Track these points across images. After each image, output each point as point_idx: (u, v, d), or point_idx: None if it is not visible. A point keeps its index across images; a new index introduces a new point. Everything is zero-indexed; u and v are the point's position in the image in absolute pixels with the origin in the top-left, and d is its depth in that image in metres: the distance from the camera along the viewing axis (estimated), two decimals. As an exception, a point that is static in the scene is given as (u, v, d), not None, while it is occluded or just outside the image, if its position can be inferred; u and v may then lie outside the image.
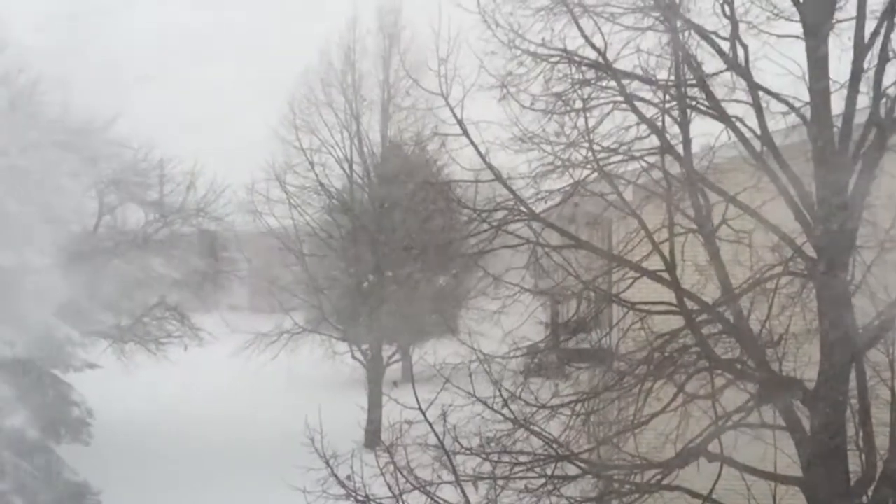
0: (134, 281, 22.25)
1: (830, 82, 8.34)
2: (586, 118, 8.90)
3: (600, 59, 8.75)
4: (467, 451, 8.44)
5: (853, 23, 8.29)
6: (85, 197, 22.71)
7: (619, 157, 9.04)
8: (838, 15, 8.37)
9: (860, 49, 8.25)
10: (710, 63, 8.71)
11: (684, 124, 8.84)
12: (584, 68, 8.89)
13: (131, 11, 33.86)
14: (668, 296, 8.92)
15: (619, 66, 8.76)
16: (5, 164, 17.28)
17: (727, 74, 8.65)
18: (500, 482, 8.47)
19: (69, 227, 20.86)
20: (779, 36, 8.49)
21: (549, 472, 8.52)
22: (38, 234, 16.97)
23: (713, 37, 8.58)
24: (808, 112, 8.40)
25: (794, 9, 8.44)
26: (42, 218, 17.46)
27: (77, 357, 17.72)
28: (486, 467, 8.52)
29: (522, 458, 8.56)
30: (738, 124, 8.60)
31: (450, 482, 8.34)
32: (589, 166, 9.01)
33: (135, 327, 22.67)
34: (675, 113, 8.86)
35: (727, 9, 8.48)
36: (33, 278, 16.35)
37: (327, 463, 8.32)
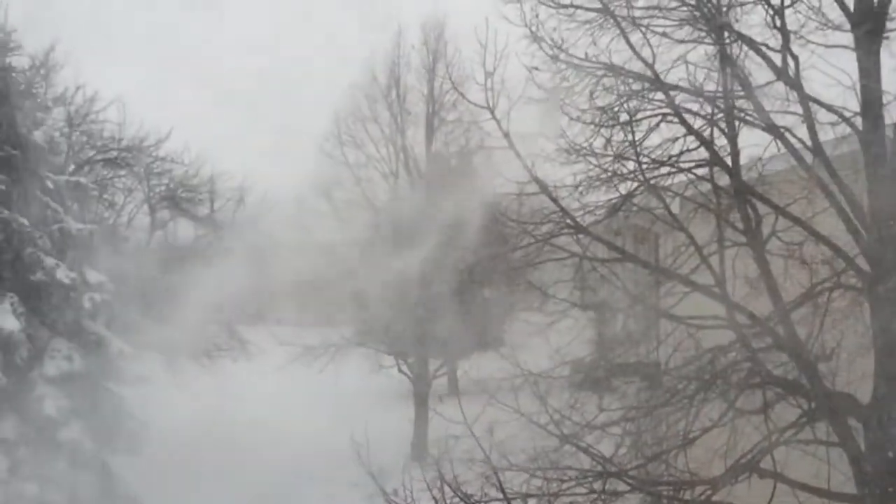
0: (184, 295, 22.62)
1: (882, 92, 8.20)
2: (633, 130, 8.86)
3: (647, 72, 8.71)
4: (514, 468, 8.40)
5: (905, 31, 8.17)
6: (138, 212, 23.25)
7: (667, 170, 8.98)
8: (890, 25, 8.24)
9: (913, 58, 8.12)
10: (758, 74, 8.63)
11: (732, 136, 8.76)
12: (630, 81, 8.87)
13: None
14: (718, 309, 8.81)
15: (666, 78, 8.72)
16: (63, 181, 17.74)
17: (775, 85, 8.56)
18: (548, 498, 8.41)
19: (123, 242, 21.33)
20: (828, 46, 8.38)
21: (597, 488, 8.45)
22: (94, 250, 17.37)
23: (763, 48, 8.49)
24: (859, 122, 8.27)
25: (844, 18, 8.32)
26: (97, 234, 17.87)
27: (129, 370, 18.03)
28: (534, 483, 8.47)
29: (570, 474, 8.50)
30: (787, 135, 8.49)
31: (498, 499, 8.30)
32: (636, 179, 8.97)
33: (185, 341, 23.00)
34: (723, 125, 8.78)
35: (778, 20, 8.39)
36: (89, 294, 16.73)
37: (374, 477, 8.34)
